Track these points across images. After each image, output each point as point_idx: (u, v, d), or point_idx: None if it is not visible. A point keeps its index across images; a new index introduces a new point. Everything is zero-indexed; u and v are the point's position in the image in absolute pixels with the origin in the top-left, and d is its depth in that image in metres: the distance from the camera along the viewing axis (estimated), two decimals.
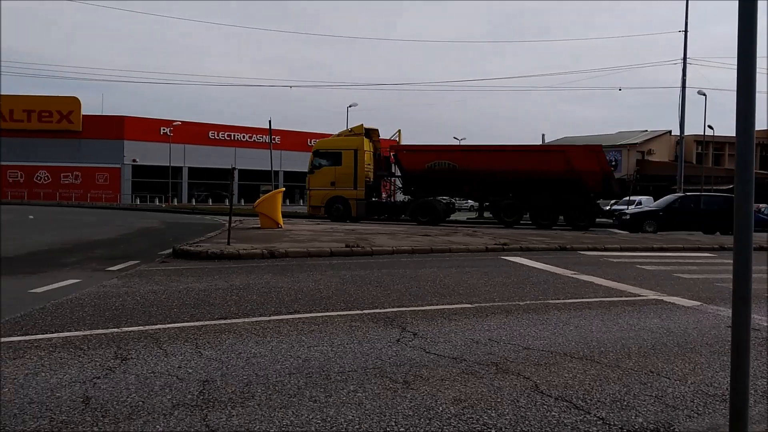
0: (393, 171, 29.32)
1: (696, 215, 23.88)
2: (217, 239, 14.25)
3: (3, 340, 4.96)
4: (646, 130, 59.05)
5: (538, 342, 5.35)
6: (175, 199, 55.71)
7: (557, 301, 7.46)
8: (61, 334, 5.21)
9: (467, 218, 31.22)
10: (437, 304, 7.07)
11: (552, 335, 5.62)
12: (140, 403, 3.58)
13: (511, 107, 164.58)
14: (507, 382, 4.15)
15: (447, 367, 4.47)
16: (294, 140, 60.81)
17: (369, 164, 28.31)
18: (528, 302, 7.36)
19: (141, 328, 5.53)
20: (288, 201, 53.04)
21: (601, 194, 26.43)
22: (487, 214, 28.78)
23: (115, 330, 5.41)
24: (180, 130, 56.09)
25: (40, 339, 5.03)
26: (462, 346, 5.14)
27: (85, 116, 56.09)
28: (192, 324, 5.74)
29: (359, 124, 28.11)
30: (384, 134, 29.59)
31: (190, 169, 58.89)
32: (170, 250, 12.28)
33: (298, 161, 51.25)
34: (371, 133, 29.00)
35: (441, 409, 3.60)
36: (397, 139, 30.62)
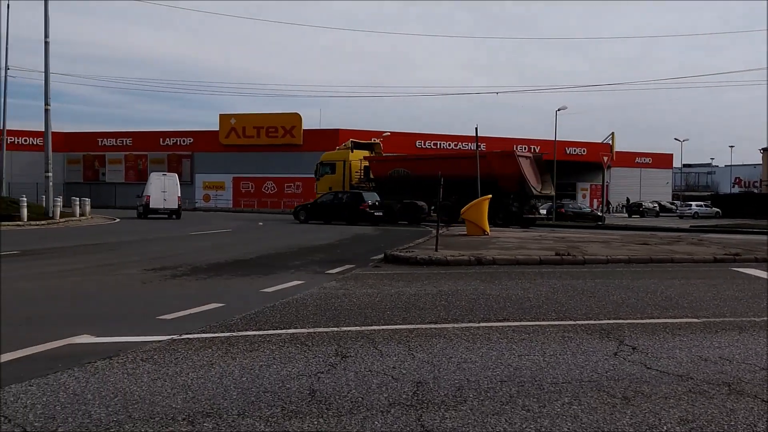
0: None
1: (330, 208, 30.67)
2: (426, 245, 14.62)
3: (242, 333, 5.52)
4: None
5: None
6: None
7: None
8: (289, 331, 5.67)
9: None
10: (658, 318, 6.60)
11: None
12: (359, 399, 3.78)
13: (745, 103, 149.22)
14: (742, 405, 3.75)
15: (671, 385, 4.14)
16: (500, 146, 60.23)
17: (359, 173, 34.81)
18: (766, 318, 6.60)
19: (358, 328, 5.84)
20: None
21: (518, 195, 29.78)
22: None
23: (335, 329, 5.78)
24: (389, 141, 58.29)
25: (271, 334, 5.52)
26: (688, 362, 4.74)
27: (305, 130, 60.71)
28: (404, 327, 5.94)
29: (350, 139, 36.19)
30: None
31: None
32: (382, 255, 12.84)
33: None
34: (374, 147, 37.25)
35: (665, 428, 3.35)
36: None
